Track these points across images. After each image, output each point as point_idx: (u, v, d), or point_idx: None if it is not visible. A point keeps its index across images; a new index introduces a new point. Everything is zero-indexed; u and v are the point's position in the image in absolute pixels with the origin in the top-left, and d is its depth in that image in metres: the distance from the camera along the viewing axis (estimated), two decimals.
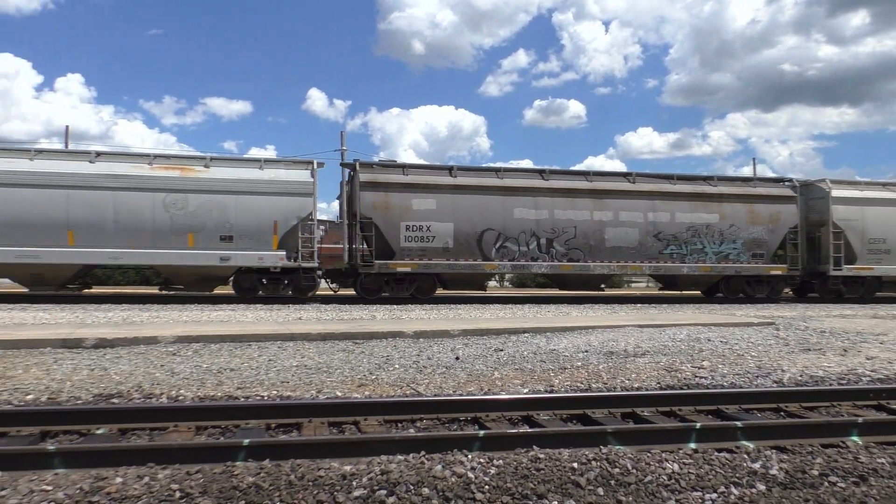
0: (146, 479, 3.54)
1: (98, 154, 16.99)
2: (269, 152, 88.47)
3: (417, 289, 18.49)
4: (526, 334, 10.47)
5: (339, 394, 6.14)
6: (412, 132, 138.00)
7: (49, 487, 3.41)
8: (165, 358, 7.91)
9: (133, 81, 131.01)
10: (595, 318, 13.10)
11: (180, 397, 5.84)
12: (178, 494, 3.39)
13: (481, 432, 4.42)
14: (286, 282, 17.50)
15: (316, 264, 17.57)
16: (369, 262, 17.94)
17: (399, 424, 5.06)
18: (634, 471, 3.89)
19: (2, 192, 15.74)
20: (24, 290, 17.32)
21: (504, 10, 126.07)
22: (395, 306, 16.43)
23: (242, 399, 5.79)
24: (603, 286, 20.86)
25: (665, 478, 3.83)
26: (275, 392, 6.12)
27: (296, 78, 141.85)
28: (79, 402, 5.64)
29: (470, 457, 3.99)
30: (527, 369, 7.63)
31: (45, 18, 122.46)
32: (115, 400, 5.72)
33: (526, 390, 6.41)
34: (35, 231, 15.81)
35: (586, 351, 8.79)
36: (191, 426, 4.73)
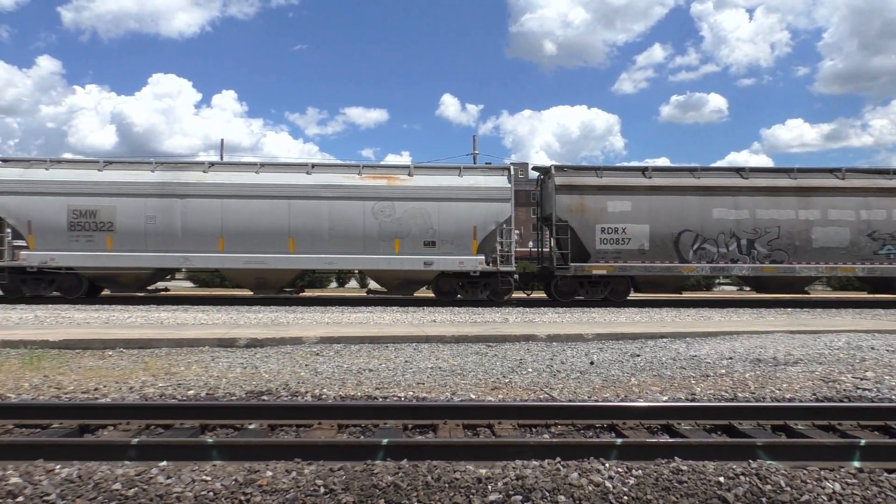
0: (293, 473, 3.73)
1: (313, 166, 18.18)
2: (405, 158, 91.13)
3: (612, 291, 18.35)
4: (664, 339, 10.06)
5: (473, 396, 6.19)
6: (544, 134, 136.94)
7: (208, 478, 3.67)
8: (309, 358, 8.33)
9: (280, 95, 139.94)
10: (739, 323, 12.37)
11: (323, 396, 6.12)
12: (322, 490, 3.54)
13: (619, 440, 4.28)
14: (484, 285, 17.89)
15: (513, 268, 17.93)
16: (564, 264, 18.02)
17: (533, 429, 5.02)
18: (789, 489, 3.61)
19: (235, 203, 17.27)
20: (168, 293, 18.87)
21: (639, 5, 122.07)
22: (527, 309, 16.36)
23: (381, 399, 5.97)
24: (807, 289, 19.61)
25: (825, 498, 3.54)
26: (411, 393, 6.27)
27: (430, 85, 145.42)
28: (233, 398, 6.05)
29: (607, 465, 3.88)
30: (665, 376, 7.33)
31: (204, 40, 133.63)
32: (265, 397, 6.08)
33: (665, 398, 6.16)
34: (261, 238, 17.23)
35: (730, 358, 8.31)
36: (333, 424, 4.95)
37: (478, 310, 16.03)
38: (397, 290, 18.39)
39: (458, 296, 18.01)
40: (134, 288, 18.01)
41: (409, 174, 17.90)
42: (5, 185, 17.03)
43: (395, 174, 18.02)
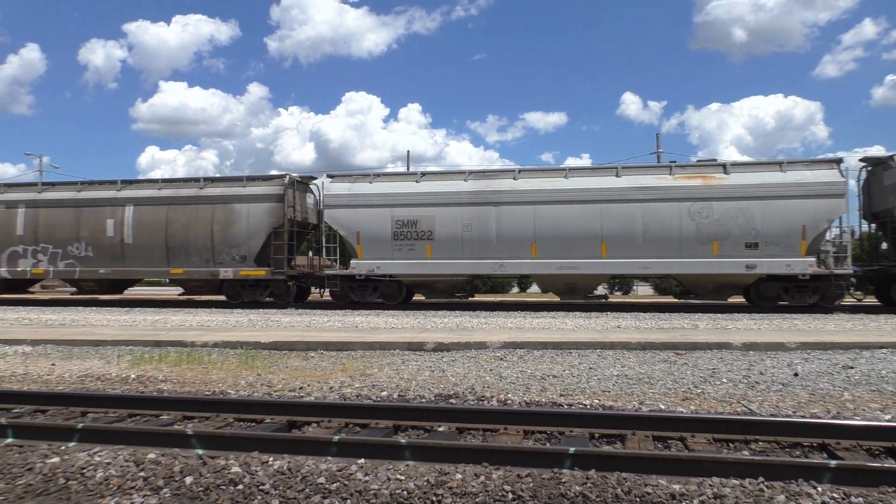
0: (482, 478, 3.80)
1: (622, 167, 18.07)
2: (585, 161, 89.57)
3: None
4: (883, 350, 8.99)
5: (663, 406, 5.93)
6: (734, 127, 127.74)
7: (402, 477, 3.85)
8: (493, 362, 8.46)
9: (461, 104, 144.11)
10: None
11: (508, 401, 6.18)
12: (510, 496, 3.57)
13: (833, 462, 3.88)
14: (813, 290, 16.67)
15: (849, 270, 16.68)
16: None
17: (730, 444, 4.70)
18: None
19: (546, 209, 17.64)
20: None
21: None
22: (718, 315, 15.35)
23: (566, 406, 5.91)
24: None
25: None
26: (596, 401, 6.14)
27: (609, 84, 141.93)
28: (423, 400, 6.29)
29: (820, 490, 3.54)
30: (887, 392, 6.54)
31: (390, 58, 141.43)
32: (452, 400, 6.26)
33: (888, 417, 5.49)
34: (573, 243, 17.36)
35: None
36: (519, 430, 4.97)
37: (664, 315, 15.34)
38: (710, 294, 17.62)
39: (783, 301, 16.77)
40: (447, 294, 18.86)
41: (725, 172, 17.05)
42: (337, 199, 18.74)
43: (709, 173, 17.26)
